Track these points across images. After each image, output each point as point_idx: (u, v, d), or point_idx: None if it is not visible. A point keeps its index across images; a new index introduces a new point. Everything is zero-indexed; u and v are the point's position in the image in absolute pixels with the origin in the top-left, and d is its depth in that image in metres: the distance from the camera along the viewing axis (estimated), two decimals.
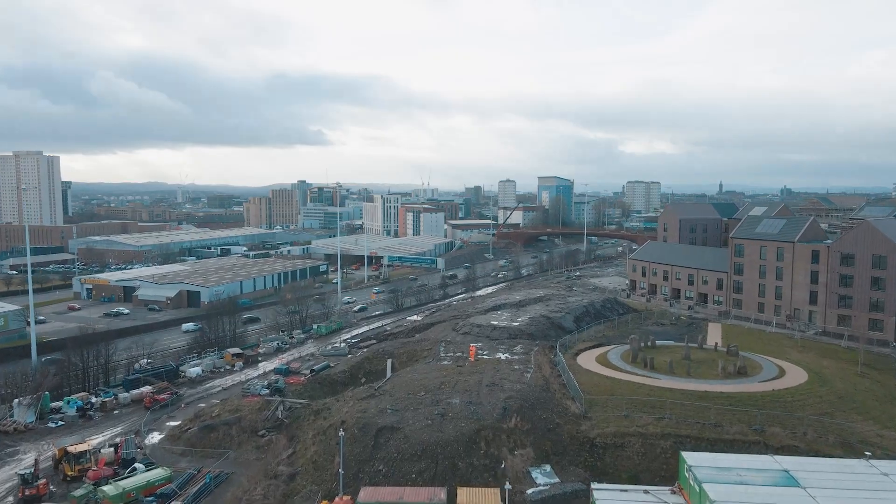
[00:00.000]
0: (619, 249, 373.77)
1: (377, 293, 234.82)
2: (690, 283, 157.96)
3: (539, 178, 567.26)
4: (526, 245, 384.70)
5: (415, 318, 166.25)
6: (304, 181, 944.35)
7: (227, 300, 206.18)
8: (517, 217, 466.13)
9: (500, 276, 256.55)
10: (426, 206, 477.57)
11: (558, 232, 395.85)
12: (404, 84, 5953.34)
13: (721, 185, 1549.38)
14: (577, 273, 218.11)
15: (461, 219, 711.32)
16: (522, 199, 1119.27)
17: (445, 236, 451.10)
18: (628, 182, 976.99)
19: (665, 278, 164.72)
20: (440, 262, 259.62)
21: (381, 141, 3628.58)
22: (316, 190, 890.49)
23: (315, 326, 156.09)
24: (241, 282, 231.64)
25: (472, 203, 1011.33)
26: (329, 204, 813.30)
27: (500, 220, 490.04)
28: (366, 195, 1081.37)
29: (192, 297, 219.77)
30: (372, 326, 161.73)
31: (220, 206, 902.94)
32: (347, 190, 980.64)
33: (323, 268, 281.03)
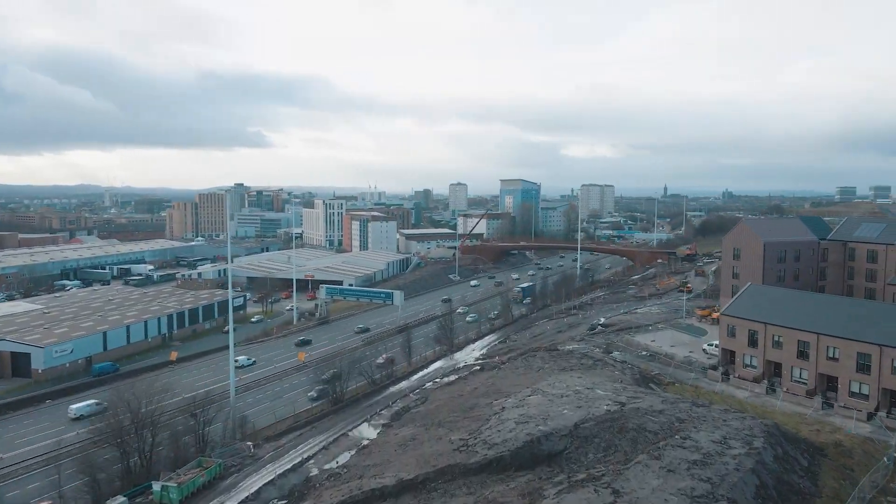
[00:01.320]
0: (607, 266, 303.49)
1: (304, 343, 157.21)
2: (864, 368, 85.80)
3: (501, 180, 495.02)
4: (495, 260, 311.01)
5: (363, 437, 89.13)
6: (241, 184, 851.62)
7: (80, 364, 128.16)
8: (482, 226, 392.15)
9: (480, 317, 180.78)
10: (375, 212, 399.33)
11: (534, 245, 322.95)
12: (342, 85, 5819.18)
13: (666, 188, 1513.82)
14: (602, 321, 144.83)
15: (414, 226, 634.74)
16: (474, 202, 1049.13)
17: (398, 249, 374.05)
18: (582, 185, 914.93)
19: (803, 355, 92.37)
20: (397, 297, 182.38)
21: (324, 143, 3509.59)
22: (254, 194, 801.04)
23: (160, 489, 75.67)
24: (106, 332, 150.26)
25: (422, 207, 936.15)
26: (269, 209, 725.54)
27: (461, 229, 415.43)
28: (309, 199, 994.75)
29: (17, 363, 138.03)
30: (280, 466, 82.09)
31: (149, 211, 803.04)
32: (289, 194, 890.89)
33: (239, 301, 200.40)
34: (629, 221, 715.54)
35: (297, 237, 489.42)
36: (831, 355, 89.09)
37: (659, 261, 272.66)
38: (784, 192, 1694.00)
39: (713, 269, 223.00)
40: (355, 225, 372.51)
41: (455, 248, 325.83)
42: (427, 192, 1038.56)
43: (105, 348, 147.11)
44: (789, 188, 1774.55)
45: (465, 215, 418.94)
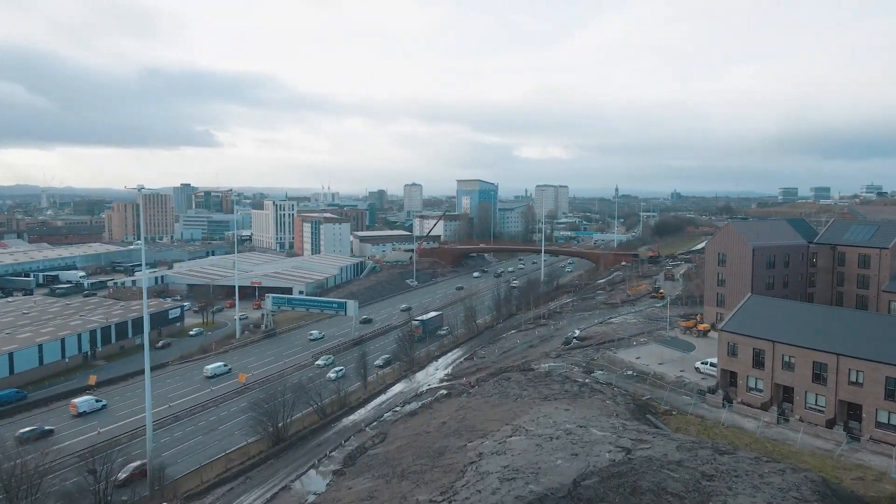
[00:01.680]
0: (569, 269, 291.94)
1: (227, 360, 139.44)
2: (894, 395, 73.62)
3: (458, 181, 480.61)
4: (454, 264, 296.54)
5: (309, 492, 72.91)
6: (189, 184, 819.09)
7: None
8: (439, 228, 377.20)
9: (440, 330, 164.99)
10: (328, 213, 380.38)
11: (493, 248, 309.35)
12: (292, 84, 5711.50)
13: (617, 190, 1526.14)
14: (577, 333, 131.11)
15: (368, 228, 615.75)
16: (429, 203, 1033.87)
17: (352, 252, 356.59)
18: (537, 186, 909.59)
19: (820, 378, 79.84)
20: (350, 307, 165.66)
21: (275, 144, 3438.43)
22: (202, 194, 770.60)
23: None
24: (12, 353, 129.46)
25: (377, 208, 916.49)
26: (218, 210, 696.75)
27: (417, 231, 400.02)
28: (259, 200, 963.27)
29: None
30: None
31: (89, 213, 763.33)
32: (239, 194, 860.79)
33: (176, 312, 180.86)
34: (584, 222, 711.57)
35: (246, 240, 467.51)
36: (854, 380, 76.67)
37: (623, 263, 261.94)
38: (729, 192, 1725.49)
39: (681, 271, 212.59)
40: (307, 227, 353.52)
41: (412, 250, 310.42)
42: (381, 193, 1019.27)
43: (11, 371, 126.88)
44: (733, 189, 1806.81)
45: (421, 216, 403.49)
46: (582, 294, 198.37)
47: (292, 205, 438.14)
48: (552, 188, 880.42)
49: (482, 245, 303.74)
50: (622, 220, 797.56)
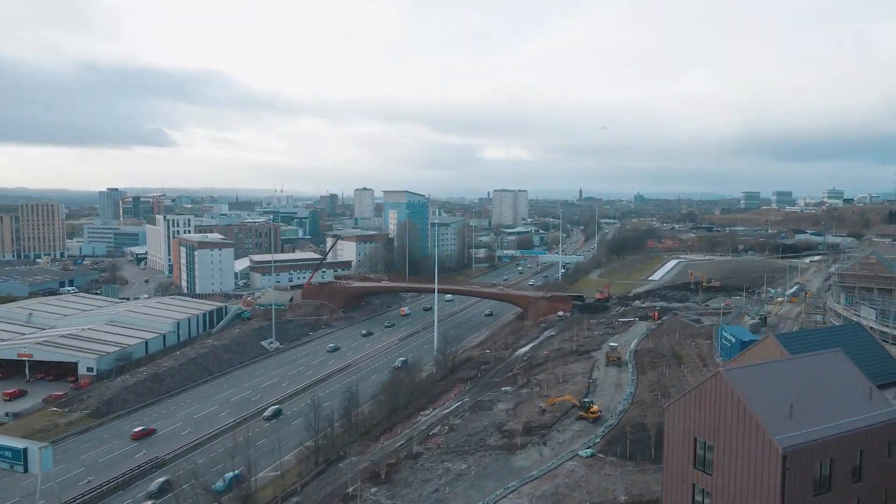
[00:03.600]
0: (488, 314, 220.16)
1: None
2: None
3: (385, 192, 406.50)
4: (348, 307, 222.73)
5: None
6: (116, 189, 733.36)
7: None
8: (350, 251, 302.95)
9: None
10: (213, 235, 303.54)
11: (397, 287, 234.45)
12: (242, 82, 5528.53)
13: (581, 192, 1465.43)
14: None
15: (310, 238, 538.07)
16: (381, 209, 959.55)
17: (240, 282, 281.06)
18: (495, 191, 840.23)
19: None
20: (34, 460, 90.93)
21: (230, 144, 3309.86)
22: (130, 200, 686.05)
23: None
24: None
25: (327, 214, 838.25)
26: (148, 217, 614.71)
27: (333, 254, 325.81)
28: (201, 206, 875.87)
29: None
30: None
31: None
32: (172, 200, 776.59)
33: None
34: (540, 231, 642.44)
35: (142, 259, 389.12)
36: None
37: (560, 313, 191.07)
38: (691, 194, 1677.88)
39: (633, 343, 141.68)
40: (183, 252, 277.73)
41: (301, 286, 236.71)
42: (333, 198, 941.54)
43: None
44: (695, 190, 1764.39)
45: (334, 236, 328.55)
46: (479, 387, 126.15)
47: (188, 220, 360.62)
48: (510, 193, 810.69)
49: (384, 282, 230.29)
50: (582, 226, 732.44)
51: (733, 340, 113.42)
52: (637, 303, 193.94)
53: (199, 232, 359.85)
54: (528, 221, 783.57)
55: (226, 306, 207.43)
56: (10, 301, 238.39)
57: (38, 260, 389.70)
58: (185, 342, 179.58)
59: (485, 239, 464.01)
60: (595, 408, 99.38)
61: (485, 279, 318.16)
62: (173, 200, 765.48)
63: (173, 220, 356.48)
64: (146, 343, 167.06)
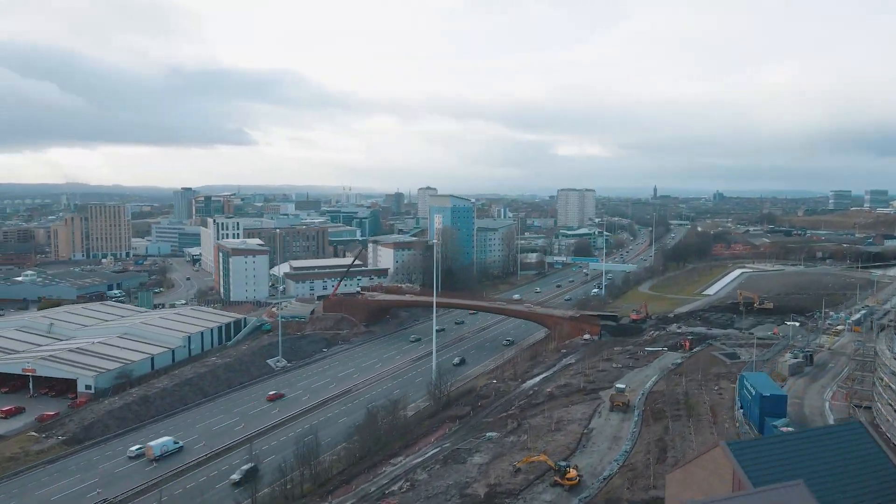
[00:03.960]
0: (509, 334, 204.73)
1: None
2: None
3: (430, 196, 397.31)
4: (370, 321, 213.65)
5: None
6: (190, 188, 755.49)
7: None
8: (388, 258, 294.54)
9: None
10: (245, 244, 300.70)
11: (418, 301, 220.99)
12: (317, 82, 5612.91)
13: (655, 190, 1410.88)
14: None
15: (371, 238, 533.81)
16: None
17: (275, 289, 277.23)
18: (560, 190, 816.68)
19: None
20: None
21: (307, 142, 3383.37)
22: (202, 199, 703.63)
23: None
24: None
25: (392, 213, 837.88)
26: (220, 216, 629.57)
27: (372, 260, 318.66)
28: (263, 206, 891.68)
29: None
30: None
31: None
32: (241, 199, 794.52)
33: None
34: (604, 233, 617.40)
35: (198, 261, 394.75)
36: None
37: (586, 337, 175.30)
38: (777, 192, 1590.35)
39: (649, 382, 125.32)
40: (220, 258, 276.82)
41: (353, 293, 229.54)
42: (398, 196, 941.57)
43: None
44: (783, 188, 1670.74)
45: (374, 241, 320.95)
46: (467, 429, 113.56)
47: (236, 223, 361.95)
48: (577, 192, 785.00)
49: (408, 296, 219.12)
50: (650, 228, 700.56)
51: (753, 393, 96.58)
52: (674, 326, 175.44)
53: (248, 235, 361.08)
54: (595, 222, 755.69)
55: (244, 318, 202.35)
56: (56, 305, 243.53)
57: (102, 260, 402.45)
58: (196, 357, 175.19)
59: (540, 242, 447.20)
60: (573, 472, 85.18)
61: (528, 288, 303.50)
62: (243, 199, 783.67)
63: (222, 224, 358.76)
64: (152, 359, 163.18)
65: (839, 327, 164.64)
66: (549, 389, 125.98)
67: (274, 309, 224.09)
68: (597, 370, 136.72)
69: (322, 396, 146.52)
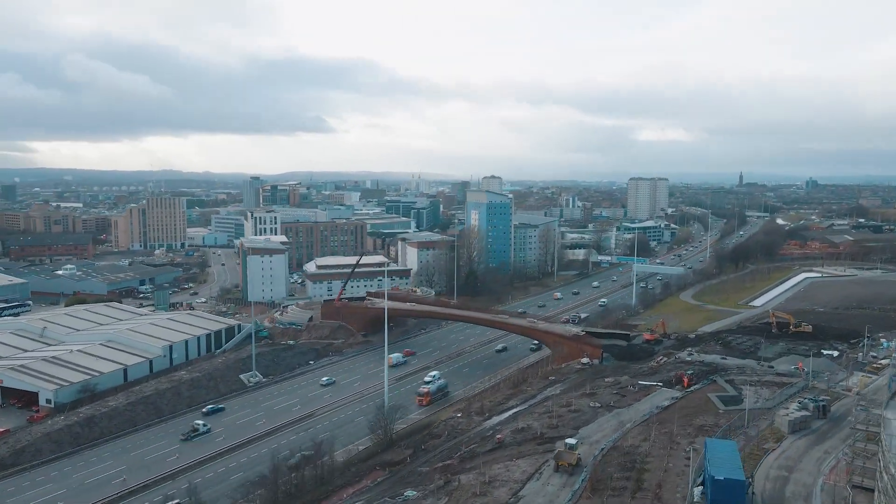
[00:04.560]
0: (500, 346, 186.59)
1: None
2: None
3: (468, 191, 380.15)
4: (370, 330, 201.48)
5: None
6: (258, 177, 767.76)
7: None
8: (413, 258, 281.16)
9: None
10: (278, 238, 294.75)
11: (427, 312, 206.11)
12: (390, 68, 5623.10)
13: (741, 177, 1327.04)
14: None
15: (428, 229, 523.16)
16: (517, 197, 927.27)
17: (296, 286, 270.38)
18: (631, 179, 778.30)
19: None
20: None
21: (382, 129, 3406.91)
22: (269, 188, 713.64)
23: None
24: None
25: (456, 202, 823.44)
26: (285, 206, 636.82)
27: (402, 259, 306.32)
28: (335, 194, 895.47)
29: None
30: None
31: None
32: (307, 188, 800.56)
33: None
34: (671, 226, 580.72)
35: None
36: None
37: (584, 360, 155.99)
38: (879, 178, 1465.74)
39: (613, 436, 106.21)
40: (242, 256, 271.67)
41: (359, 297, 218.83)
42: (464, 185, 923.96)
43: None
44: (885, 174, 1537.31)
45: (402, 238, 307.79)
46: (394, 482, 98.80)
47: (274, 217, 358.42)
48: (647, 181, 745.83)
49: (410, 304, 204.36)
50: (725, 220, 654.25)
51: (708, 472, 77.16)
52: (685, 353, 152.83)
53: (286, 229, 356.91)
54: (666, 213, 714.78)
55: (238, 325, 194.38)
56: (81, 302, 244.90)
57: (155, 251, 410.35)
58: (179, 366, 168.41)
59: (589, 237, 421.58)
60: None
61: (564, 291, 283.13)
62: (308, 189, 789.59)
63: (260, 218, 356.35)
64: (125, 370, 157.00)
65: (884, 361, 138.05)
66: (500, 435, 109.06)
67: (277, 314, 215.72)
68: (570, 410, 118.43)
69: (282, 420, 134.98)
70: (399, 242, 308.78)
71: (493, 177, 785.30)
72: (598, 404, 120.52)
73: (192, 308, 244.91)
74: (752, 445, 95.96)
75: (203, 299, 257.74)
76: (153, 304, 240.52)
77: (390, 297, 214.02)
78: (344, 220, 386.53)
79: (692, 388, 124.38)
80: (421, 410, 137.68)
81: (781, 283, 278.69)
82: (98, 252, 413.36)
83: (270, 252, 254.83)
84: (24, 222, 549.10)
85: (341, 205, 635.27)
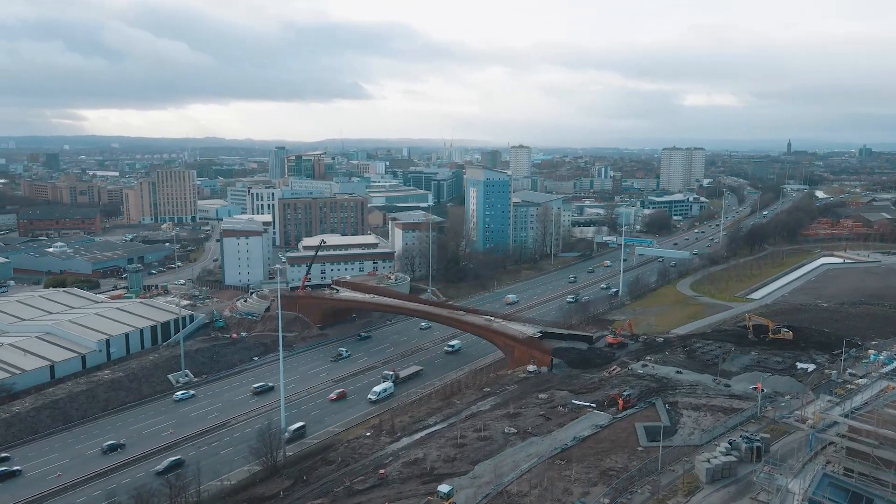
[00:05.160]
0: (454, 345, 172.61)
1: None
2: None
3: (467, 169, 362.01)
4: (328, 322, 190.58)
5: None
6: (283, 148, 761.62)
7: None
8: (398, 238, 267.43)
9: None
10: (257, 220, 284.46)
11: (385, 306, 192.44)
12: (425, 33, 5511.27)
13: (790, 144, 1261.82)
14: None
15: (450, 202, 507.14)
16: (547, 167, 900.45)
17: (268, 274, 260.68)
18: (664, 149, 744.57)
19: None
20: None
21: (419, 95, 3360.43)
22: (293, 158, 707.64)
23: None
24: None
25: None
26: (310, 177, 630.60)
27: (392, 239, 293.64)
28: (361, 164, 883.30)
29: None
30: None
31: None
32: (333, 158, 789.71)
33: None
34: (701, 200, 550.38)
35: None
36: None
37: (530, 368, 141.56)
38: None
39: (507, 477, 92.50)
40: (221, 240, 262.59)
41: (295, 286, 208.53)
42: (495, 154, 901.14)
43: None
44: None
45: (393, 218, 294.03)
46: None
47: (272, 194, 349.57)
48: (682, 151, 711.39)
49: (370, 296, 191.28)
50: (760, 192, 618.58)
51: None
52: (642, 363, 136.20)
53: (285, 206, 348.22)
54: (701, 185, 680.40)
55: (190, 315, 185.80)
56: (59, 284, 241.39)
57: (162, 225, 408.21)
58: (119, 360, 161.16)
59: (603, 213, 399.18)
60: None
61: (559, 276, 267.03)
62: (333, 158, 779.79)
63: (257, 194, 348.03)
64: (52, 367, 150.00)
65: (861, 381, 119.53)
66: (383, 470, 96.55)
67: (240, 302, 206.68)
68: (479, 437, 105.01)
69: (186, 433, 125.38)
70: (391, 222, 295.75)
71: (520, 146, 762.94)
72: (514, 430, 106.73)
73: (166, 291, 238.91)
74: (655, 501, 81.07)
75: (182, 281, 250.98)
76: (126, 287, 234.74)
77: (357, 286, 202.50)
78: (346, 196, 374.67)
79: (626, 413, 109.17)
80: (329, 427, 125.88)
81: (793, 270, 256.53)
82: (107, 226, 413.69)
83: (247, 234, 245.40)
84: (52, 193, 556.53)
85: (360, 176, 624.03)
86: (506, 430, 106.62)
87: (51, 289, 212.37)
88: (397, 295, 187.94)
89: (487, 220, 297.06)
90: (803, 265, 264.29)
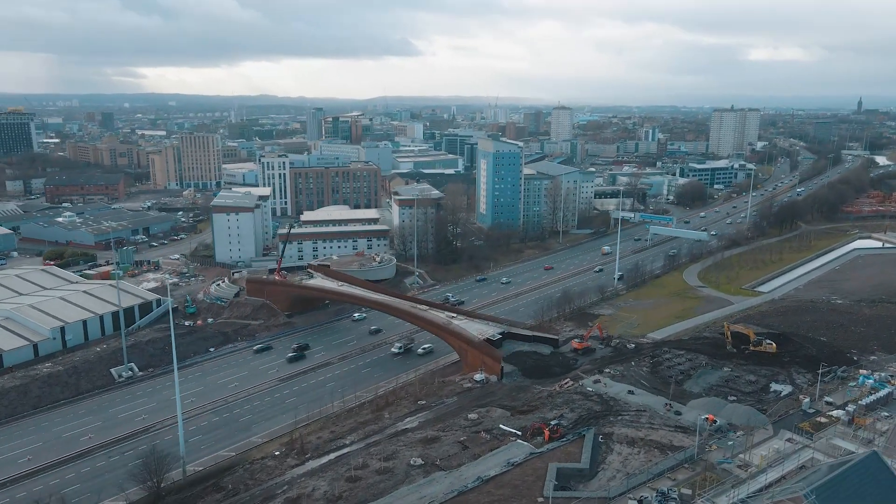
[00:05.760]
0: (424, 349, 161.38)
1: None
2: None
3: (479, 140, 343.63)
4: (296, 309, 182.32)
5: None
6: (321, 109, 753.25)
7: None
8: (396, 215, 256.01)
9: None
10: (254, 194, 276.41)
11: (350, 296, 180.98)
12: None
13: (860, 102, 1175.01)
14: None
15: (466, 170, 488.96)
16: (593, 128, 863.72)
17: (262, 249, 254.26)
18: (714, 111, 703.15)
19: None
20: None
21: (470, 51, 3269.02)
22: (330, 120, 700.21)
23: None
24: None
25: (528, 133, 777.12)
26: (347, 139, 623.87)
27: (394, 215, 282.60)
28: (400, 126, 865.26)
29: None
30: None
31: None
32: (370, 119, 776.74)
33: None
34: (746, 166, 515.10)
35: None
36: None
37: (477, 377, 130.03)
38: None
39: (453, 483, 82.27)
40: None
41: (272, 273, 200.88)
42: (537, 116, 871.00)
43: None
44: None
45: (395, 194, 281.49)
46: None
47: (283, 163, 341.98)
48: (734, 114, 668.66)
49: (341, 283, 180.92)
50: (815, 157, 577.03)
51: None
52: (594, 378, 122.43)
53: (295, 175, 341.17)
54: (753, 149, 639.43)
55: (158, 299, 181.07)
56: (57, 256, 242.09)
57: (184, 191, 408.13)
58: (74, 348, 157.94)
59: (624, 179, 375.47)
60: None
61: (562, 257, 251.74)
62: (371, 120, 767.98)
63: (268, 163, 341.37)
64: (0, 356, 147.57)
65: (836, 413, 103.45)
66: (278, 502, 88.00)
67: (214, 286, 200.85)
68: (380, 469, 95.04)
69: (104, 438, 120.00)
70: (392, 196, 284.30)
71: (562, 107, 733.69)
72: (420, 461, 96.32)
73: (157, 267, 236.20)
74: None
75: (177, 256, 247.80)
76: (117, 263, 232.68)
77: (330, 273, 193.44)
78: (361, 165, 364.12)
79: (549, 447, 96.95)
80: (251, 437, 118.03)
81: (819, 256, 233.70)
82: (133, 191, 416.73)
83: (237, 209, 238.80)
84: (93, 155, 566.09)
85: (394, 140, 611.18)
86: (412, 462, 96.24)
87: (29, 268, 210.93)
88: (366, 284, 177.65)
89: (497, 193, 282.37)
90: (832, 249, 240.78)
